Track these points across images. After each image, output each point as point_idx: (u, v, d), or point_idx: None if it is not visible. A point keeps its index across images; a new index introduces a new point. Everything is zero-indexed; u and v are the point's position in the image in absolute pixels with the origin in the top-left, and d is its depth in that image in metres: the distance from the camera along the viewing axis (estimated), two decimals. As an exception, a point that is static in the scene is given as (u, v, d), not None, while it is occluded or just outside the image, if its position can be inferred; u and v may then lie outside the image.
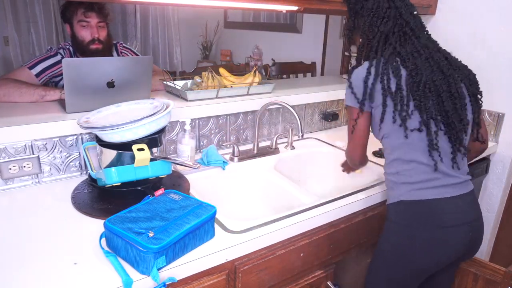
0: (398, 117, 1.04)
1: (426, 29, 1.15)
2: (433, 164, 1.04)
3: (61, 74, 1.64)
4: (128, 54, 1.87)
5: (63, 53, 1.68)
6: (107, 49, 1.72)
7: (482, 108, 1.17)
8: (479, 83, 1.15)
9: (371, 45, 1.12)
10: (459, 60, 1.16)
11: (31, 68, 1.59)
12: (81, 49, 1.67)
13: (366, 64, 1.10)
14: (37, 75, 1.60)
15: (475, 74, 1.16)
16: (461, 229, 1.04)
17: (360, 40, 1.16)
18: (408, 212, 1.06)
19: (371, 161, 1.55)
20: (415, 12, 1.12)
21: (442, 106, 1.04)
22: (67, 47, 1.71)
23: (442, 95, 1.03)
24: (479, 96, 1.13)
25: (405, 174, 1.07)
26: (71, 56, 1.70)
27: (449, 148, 1.06)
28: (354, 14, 1.17)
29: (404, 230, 1.07)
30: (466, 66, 1.16)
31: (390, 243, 1.11)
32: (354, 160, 1.19)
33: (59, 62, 1.64)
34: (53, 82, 1.69)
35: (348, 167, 1.43)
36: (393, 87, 1.04)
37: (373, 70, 1.07)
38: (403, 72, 1.05)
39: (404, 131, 1.04)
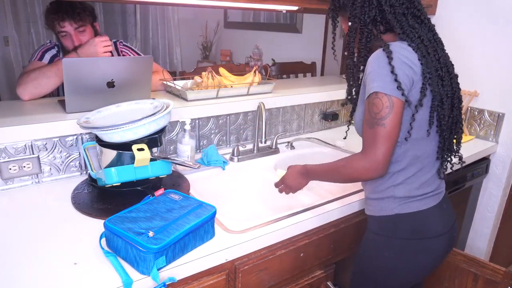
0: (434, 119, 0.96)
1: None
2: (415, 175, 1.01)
3: None
4: (129, 52, 1.86)
5: (60, 47, 1.67)
6: None
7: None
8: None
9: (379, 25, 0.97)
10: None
11: (41, 59, 1.61)
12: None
13: (403, 45, 0.93)
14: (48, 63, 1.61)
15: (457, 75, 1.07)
16: (447, 235, 1.04)
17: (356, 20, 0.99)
18: (401, 225, 1.02)
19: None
20: None
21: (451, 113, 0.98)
22: None
23: (444, 101, 0.95)
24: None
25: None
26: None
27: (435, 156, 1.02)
28: None
29: (395, 243, 1.02)
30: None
31: (383, 258, 1.04)
32: (377, 167, 0.91)
33: (56, 55, 1.65)
34: None
35: (287, 186, 1.16)
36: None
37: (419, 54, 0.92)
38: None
39: (428, 135, 0.97)
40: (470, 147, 1.75)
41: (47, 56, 1.62)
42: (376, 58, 0.92)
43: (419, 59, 0.92)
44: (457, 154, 1.08)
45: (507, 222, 2.01)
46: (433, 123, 0.95)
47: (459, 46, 1.86)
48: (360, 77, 1.04)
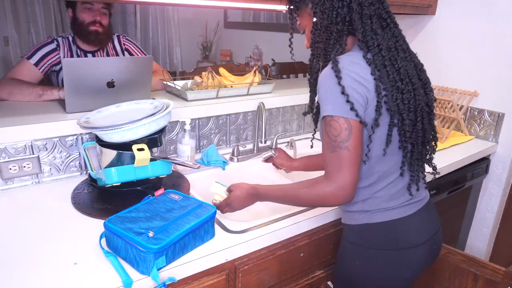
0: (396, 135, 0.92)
1: None
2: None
3: (60, 63, 1.66)
4: (131, 47, 1.88)
5: (60, 41, 1.69)
6: (106, 35, 1.73)
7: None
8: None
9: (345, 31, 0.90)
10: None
11: (29, 58, 1.62)
12: (80, 31, 1.68)
13: (356, 58, 0.88)
14: (36, 64, 1.62)
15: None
16: (425, 246, 1.00)
17: (325, 21, 0.91)
18: (371, 235, 0.98)
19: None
20: None
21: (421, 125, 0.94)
22: (67, 36, 1.72)
23: (412, 114, 0.91)
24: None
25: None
26: (70, 45, 1.71)
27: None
28: None
29: (366, 252, 0.99)
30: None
31: (354, 267, 1.01)
32: (345, 194, 0.87)
33: (55, 49, 1.66)
34: (54, 72, 1.70)
35: (232, 209, 1.04)
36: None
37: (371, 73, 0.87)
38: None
39: (384, 154, 0.92)
40: (470, 147, 1.75)
41: (37, 56, 1.62)
42: (325, 78, 0.87)
43: (371, 74, 0.87)
44: (430, 164, 1.03)
45: (507, 222, 2.01)
46: (390, 141, 0.90)
47: (459, 46, 1.86)
48: None
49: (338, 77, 0.85)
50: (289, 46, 1.03)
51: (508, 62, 1.71)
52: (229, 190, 1.05)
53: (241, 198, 1.01)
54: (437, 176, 1.08)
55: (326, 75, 0.88)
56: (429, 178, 1.09)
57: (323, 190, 0.88)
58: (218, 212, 0.99)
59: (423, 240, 0.99)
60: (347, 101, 0.84)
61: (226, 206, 1.04)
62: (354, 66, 0.87)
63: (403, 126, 0.90)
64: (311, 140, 1.22)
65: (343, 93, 0.84)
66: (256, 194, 1.01)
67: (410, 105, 0.90)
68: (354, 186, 0.87)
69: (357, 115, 0.85)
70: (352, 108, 0.84)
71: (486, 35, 1.76)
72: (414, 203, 0.99)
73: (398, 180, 0.96)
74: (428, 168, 1.05)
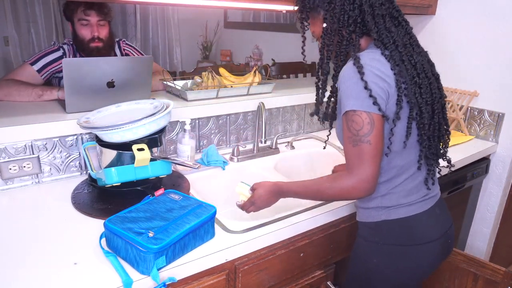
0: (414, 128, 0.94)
1: None
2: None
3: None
4: (131, 51, 1.87)
5: (66, 49, 1.68)
6: (108, 47, 1.72)
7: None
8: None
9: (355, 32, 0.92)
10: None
11: (32, 64, 1.60)
12: (81, 48, 1.67)
13: (375, 55, 0.91)
14: (39, 70, 1.61)
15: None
16: (439, 241, 1.01)
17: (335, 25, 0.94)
18: (389, 231, 1.00)
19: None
20: None
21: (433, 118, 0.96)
22: (71, 43, 1.71)
23: (428, 107, 0.94)
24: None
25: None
26: (74, 52, 1.71)
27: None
28: None
29: (383, 249, 1.01)
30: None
31: (371, 264, 1.02)
32: (367, 187, 0.88)
33: (61, 57, 1.65)
34: (56, 77, 1.69)
35: (257, 207, 1.06)
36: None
37: (393, 66, 0.90)
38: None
39: (404, 147, 0.94)
40: (470, 147, 1.75)
41: (40, 63, 1.61)
42: (347, 74, 0.89)
43: (391, 69, 0.89)
44: (445, 157, 1.06)
45: (507, 222, 2.01)
46: (410, 134, 0.92)
47: (459, 46, 1.86)
48: (335, 84, 1.00)
49: (361, 73, 0.87)
50: (302, 48, 1.06)
51: (508, 62, 1.72)
52: (253, 189, 1.07)
53: (264, 196, 1.03)
54: (452, 169, 1.11)
55: (348, 71, 0.90)
56: (444, 172, 1.11)
57: (346, 184, 0.90)
58: (218, 212, 0.99)
59: (438, 235, 1.00)
60: (370, 95, 0.86)
61: (250, 205, 1.06)
62: (375, 62, 0.90)
63: (421, 119, 0.92)
64: (325, 142, 1.23)
65: (365, 88, 0.86)
66: (279, 191, 1.03)
67: (428, 99, 0.93)
68: (375, 179, 0.89)
69: (379, 109, 0.87)
70: (374, 103, 0.87)
71: (486, 35, 1.76)
72: (429, 198, 1.01)
73: (415, 174, 0.99)
74: (442, 163, 1.07)
